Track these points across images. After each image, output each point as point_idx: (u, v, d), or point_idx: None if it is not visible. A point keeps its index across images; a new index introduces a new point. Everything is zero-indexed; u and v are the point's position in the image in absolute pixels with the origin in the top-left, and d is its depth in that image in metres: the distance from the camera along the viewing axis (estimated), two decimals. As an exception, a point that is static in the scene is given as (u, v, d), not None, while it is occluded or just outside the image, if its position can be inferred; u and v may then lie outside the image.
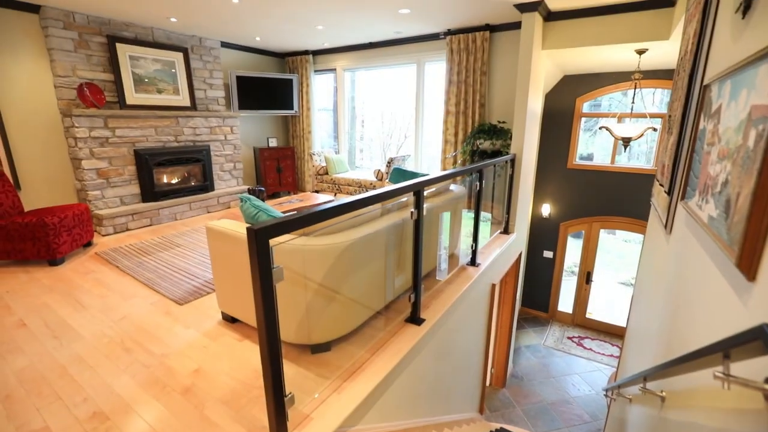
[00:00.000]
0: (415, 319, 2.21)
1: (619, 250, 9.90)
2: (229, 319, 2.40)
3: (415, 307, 2.19)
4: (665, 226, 2.05)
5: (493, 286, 3.54)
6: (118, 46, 4.44)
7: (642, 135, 4.12)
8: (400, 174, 3.14)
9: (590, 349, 5.67)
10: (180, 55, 5.04)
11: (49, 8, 3.91)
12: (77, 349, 2.16)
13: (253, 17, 4.36)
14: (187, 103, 5.17)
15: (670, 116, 2.43)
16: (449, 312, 2.49)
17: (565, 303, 6.21)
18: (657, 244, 2.36)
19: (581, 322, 6.14)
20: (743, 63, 1.12)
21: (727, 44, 1.45)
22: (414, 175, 3.08)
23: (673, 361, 1.13)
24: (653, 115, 5.01)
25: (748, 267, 0.89)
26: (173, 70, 5.00)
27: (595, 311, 6.27)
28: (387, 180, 4.06)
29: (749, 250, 0.89)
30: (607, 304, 7.29)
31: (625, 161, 5.57)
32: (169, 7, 3.93)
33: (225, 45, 5.72)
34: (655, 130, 4.19)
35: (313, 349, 1.99)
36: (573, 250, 6.24)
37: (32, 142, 4.12)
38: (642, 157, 7.90)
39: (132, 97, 4.63)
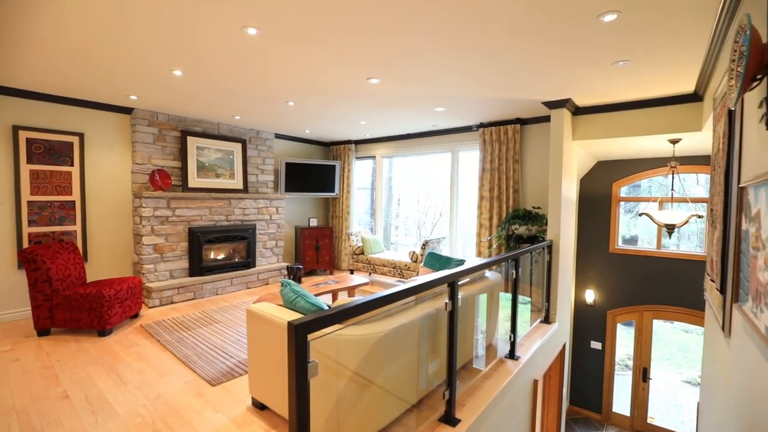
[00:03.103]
0: (449, 419, 2.08)
1: (678, 342, 8.84)
2: (259, 406, 2.36)
3: (450, 405, 2.07)
4: (723, 328, 1.90)
5: (536, 382, 3.27)
6: (189, 138, 5.13)
7: (687, 222, 3.98)
8: (434, 259, 3.19)
9: (657, 464, 4.86)
10: (239, 146, 5.71)
11: (140, 110, 4.69)
12: (111, 428, 2.19)
13: (305, 116, 4.96)
14: (240, 186, 5.70)
15: (712, 210, 2.38)
16: (487, 412, 2.31)
17: (621, 403, 5.51)
18: (717, 345, 2.16)
19: (642, 429, 5.36)
20: (773, 176, 1.14)
21: (756, 150, 1.48)
22: (448, 260, 3.11)
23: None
24: (696, 200, 4.84)
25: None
26: (231, 157, 5.63)
27: (657, 416, 5.49)
28: (421, 263, 4.10)
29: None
30: (672, 407, 6.38)
31: (675, 242, 5.27)
32: (236, 108, 4.60)
33: (278, 136, 6.44)
34: (700, 217, 4.03)
35: (341, 447, 1.89)
36: (624, 340, 5.70)
37: (104, 219, 4.64)
38: (693, 237, 7.40)
39: (194, 180, 5.19)
